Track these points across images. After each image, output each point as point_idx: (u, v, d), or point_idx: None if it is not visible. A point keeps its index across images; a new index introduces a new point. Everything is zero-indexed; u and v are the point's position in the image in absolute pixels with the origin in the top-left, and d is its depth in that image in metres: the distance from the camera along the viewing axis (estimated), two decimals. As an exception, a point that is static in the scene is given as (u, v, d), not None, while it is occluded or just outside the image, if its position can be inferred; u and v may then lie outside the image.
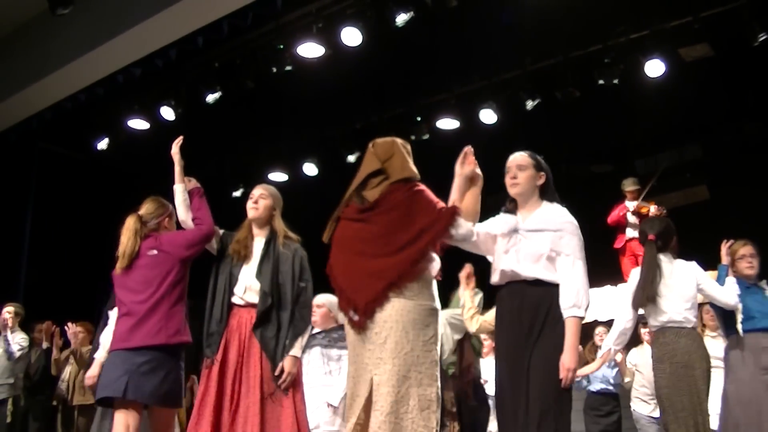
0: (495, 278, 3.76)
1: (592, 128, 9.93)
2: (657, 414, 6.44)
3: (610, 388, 7.40)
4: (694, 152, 10.21)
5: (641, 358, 7.20)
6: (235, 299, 4.45)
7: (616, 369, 7.27)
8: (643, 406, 7.17)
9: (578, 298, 3.50)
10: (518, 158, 3.80)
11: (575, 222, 3.67)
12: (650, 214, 9.19)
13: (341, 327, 5.83)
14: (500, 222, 3.75)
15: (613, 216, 9.34)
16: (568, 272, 3.55)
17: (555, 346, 3.48)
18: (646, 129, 10.01)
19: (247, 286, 4.45)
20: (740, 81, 8.84)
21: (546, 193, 3.79)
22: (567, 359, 3.43)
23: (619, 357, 6.94)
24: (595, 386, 7.41)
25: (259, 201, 4.70)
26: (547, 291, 3.55)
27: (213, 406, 4.20)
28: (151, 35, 7.97)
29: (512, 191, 3.76)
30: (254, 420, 4.14)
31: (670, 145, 10.26)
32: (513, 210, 3.79)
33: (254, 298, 4.42)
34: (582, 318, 3.51)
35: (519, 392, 3.48)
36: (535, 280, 3.58)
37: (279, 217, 4.73)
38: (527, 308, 3.56)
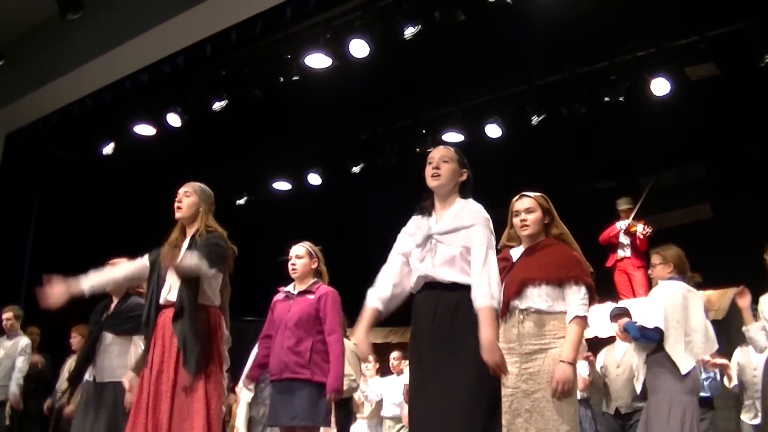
0: (411, 284, 3.71)
1: (597, 144, 9.96)
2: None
3: (702, 393, 6.56)
4: (698, 171, 10.21)
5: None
6: (162, 300, 4.39)
7: (712, 381, 6.64)
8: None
9: (491, 288, 3.44)
10: (442, 150, 3.76)
11: (487, 215, 3.65)
12: (638, 233, 9.25)
13: None
14: (410, 235, 3.75)
15: (603, 236, 9.41)
16: (479, 264, 3.49)
17: (473, 353, 3.37)
18: (650, 146, 10.02)
19: (171, 285, 4.37)
20: (746, 101, 8.85)
21: (464, 192, 3.75)
22: (487, 354, 3.33)
23: (714, 371, 6.49)
24: None
25: (183, 200, 4.59)
26: (464, 295, 3.50)
27: (145, 410, 4.17)
28: (159, 42, 8.01)
29: (432, 183, 3.69)
30: (163, 418, 4.10)
31: (674, 163, 10.26)
32: (429, 209, 3.76)
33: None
34: (496, 309, 3.45)
35: (433, 400, 3.39)
36: (451, 284, 3.54)
37: (206, 213, 4.58)
38: (443, 313, 3.52)
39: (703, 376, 6.72)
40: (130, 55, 8.22)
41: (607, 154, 10.31)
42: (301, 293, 5.06)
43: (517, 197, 4.26)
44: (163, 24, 7.68)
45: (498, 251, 3.89)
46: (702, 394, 6.70)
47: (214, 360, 4.30)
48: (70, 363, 7.78)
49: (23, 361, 7.39)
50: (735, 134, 9.69)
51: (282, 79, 8.57)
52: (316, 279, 5.15)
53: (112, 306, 5.58)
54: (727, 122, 9.44)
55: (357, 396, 8.37)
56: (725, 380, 6.62)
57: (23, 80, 9.03)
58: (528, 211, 4.18)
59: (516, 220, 4.22)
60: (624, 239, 9.37)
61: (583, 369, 6.95)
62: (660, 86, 8.40)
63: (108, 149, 10.04)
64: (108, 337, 5.49)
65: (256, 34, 8.08)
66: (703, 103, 8.77)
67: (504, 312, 3.99)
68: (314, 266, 5.13)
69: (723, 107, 9.06)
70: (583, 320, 3.94)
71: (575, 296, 3.96)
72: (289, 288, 5.17)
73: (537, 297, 3.98)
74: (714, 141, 9.90)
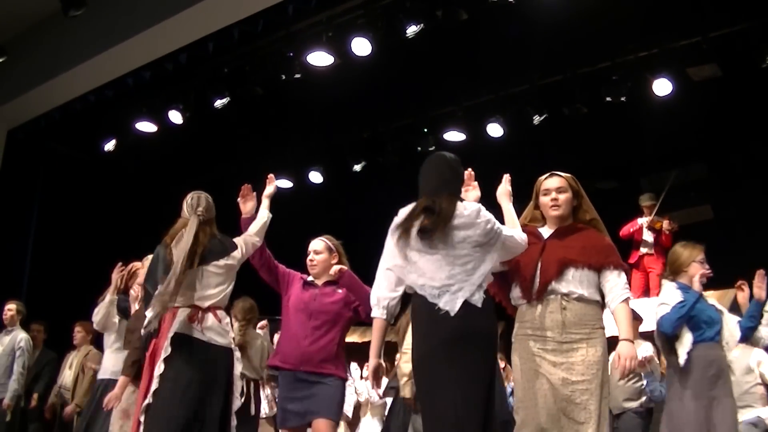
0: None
1: (599, 145, 9.95)
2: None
3: None
4: (700, 172, 10.20)
5: None
6: None
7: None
8: None
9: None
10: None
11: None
12: (663, 228, 9.22)
13: None
14: None
15: (624, 230, 9.32)
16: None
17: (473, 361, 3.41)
18: (652, 147, 10.01)
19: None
20: (747, 102, 8.84)
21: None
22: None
23: None
24: None
25: None
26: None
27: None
28: (161, 39, 8.02)
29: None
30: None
31: (675, 164, 10.25)
32: None
33: None
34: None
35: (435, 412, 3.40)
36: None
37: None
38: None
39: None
40: (133, 52, 8.23)
41: (608, 154, 10.31)
42: (327, 284, 4.78)
43: (546, 175, 4.00)
44: (166, 21, 7.69)
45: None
46: None
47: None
48: (72, 359, 7.78)
49: (21, 361, 7.34)
50: (736, 135, 9.69)
51: (284, 77, 8.57)
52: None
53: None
54: (728, 123, 9.43)
55: (364, 397, 8.49)
56: None
57: (25, 76, 9.04)
58: (559, 190, 3.93)
59: (545, 199, 3.95)
60: (648, 236, 9.32)
61: (647, 348, 6.87)
62: (662, 87, 8.40)
63: (110, 146, 10.05)
64: None
65: (258, 32, 8.09)
66: (704, 104, 8.76)
67: (540, 294, 3.75)
68: (334, 262, 4.82)
69: (725, 108, 9.05)
70: (629, 303, 3.76)
71: (618, 280, 3.75)
72: (311, 279, 4.86)
73: (579, 282, 3.73)
74: (715, 142, 9.89)
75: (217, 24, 7.83)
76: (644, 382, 6.70)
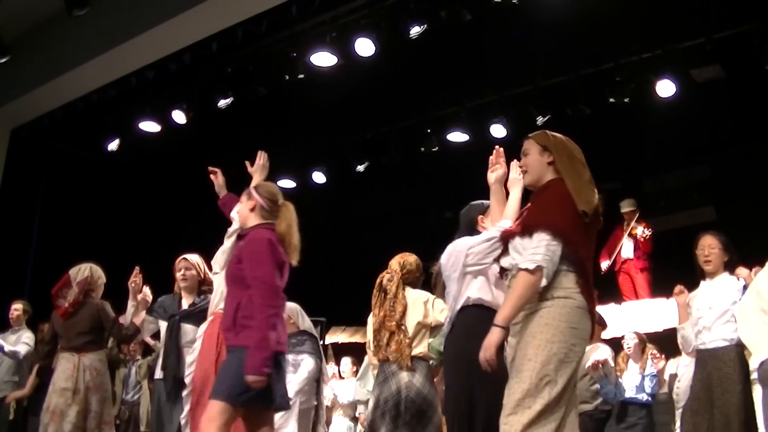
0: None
1: (602, 146, 9.91)
2: None
3: (639, 397, 6.71)
4: (702, 173, 10.20)
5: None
6: None
7: (654, 378, 6.72)
8: None
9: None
10: None
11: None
12: (638, 236, 9.29)
13: (300, 333, 5.74)
14: None
15: (608, 248, 9.50)
16: None
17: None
18: (655, 148, 10.01)
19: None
20: (750, 103, 8.84)
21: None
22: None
23: (661, 364, 6.67)
24: (628, 394, 6.70)
25: None
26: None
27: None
28: (165, 39, 8.03)
29: None
30: None
31: (678, 165, 10.25)
32: None
33: None
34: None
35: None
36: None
37: None
38: None
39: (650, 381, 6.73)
40: (136, 52, 8.24)
41: (611, 155, 10.29)
42: (240, 237, 4.10)
43: None
44: (170, 21, 7.70)
45: None
46: (640, 396, 6.76)
47: None
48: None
49: (24, 347, 7.35)
50: (739, 136, 9.68)
51: (287, 77, 8.58)
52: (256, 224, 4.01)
53: (185, 302, 5.52)
54: (731, 124, 9.43)
55: (329, 397, 8.31)
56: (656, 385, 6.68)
57: (29, 76, 9.06)
58: (524, 153, 3.55)
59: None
60: (627, 242, 9.39)
61: (603, 352, 6.85)
62: (665, 88, 8.39)
63: (113, 145, 10.05)
64: (190, 332, 5.35)
65: (262, 32, 8.10)
66: (707, 105, 8.76)
67: (501, 276, 3.55)
68: (251, 206, 4.05)
69: (728, 109, 9.05)
70: (528, 273, 3.14)
71: (529, 246, 3.21)
72: None
73: (517, 253, 3.29)
74: (718, 143, 9.89)
75: (221, 24, 7.84)
76: (598, 385, 6.74)
